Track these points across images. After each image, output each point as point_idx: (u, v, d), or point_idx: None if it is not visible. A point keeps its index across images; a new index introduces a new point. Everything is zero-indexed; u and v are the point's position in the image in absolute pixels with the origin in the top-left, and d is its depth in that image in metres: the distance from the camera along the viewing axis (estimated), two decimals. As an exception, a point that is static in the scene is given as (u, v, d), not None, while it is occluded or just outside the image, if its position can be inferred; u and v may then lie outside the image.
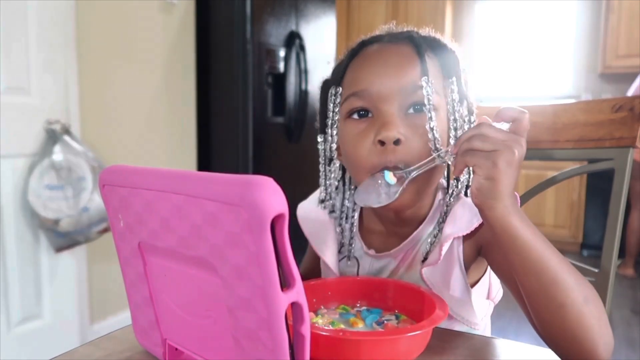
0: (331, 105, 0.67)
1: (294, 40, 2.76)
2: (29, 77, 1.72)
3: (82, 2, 1.88)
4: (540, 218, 3.72)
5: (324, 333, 0.47)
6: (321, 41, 3.07)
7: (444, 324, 0.65)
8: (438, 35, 0.68)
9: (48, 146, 1.73)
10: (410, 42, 0.64)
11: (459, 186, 0.67)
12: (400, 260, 0.68)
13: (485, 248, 0.64)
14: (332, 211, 0.73)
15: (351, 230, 0.72)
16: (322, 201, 0.72)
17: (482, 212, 0.53)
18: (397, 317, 0.58)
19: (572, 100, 0.83)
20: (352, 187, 0.72)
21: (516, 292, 0.58)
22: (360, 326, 0.56)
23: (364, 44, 0.67)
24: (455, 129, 0.63)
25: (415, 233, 0.67)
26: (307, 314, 0.37)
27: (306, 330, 0.37)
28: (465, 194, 0.66)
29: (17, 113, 1.68)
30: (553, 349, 0.54)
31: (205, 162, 2.60)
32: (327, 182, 0.70)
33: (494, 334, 0.69)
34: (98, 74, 1.99)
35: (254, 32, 2.47)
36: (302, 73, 2.82)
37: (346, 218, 0.73)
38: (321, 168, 0.70)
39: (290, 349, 0.36)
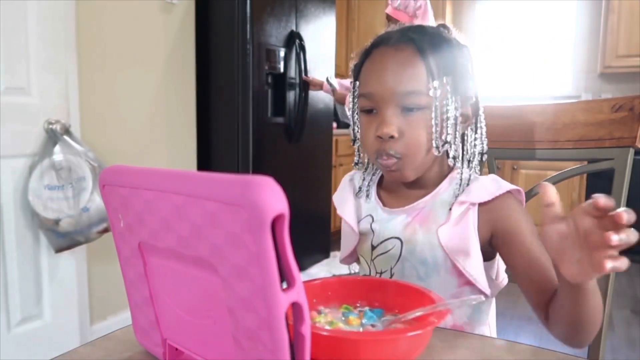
0: (351, 97, 0.80)
1: (294, 40, 2.76)
2: (29, 77, 1.71)
3: (82, 2, 1.88)
4: (540, 218, 3.70)
5: (324, 333, 0.47)
6: (321, 41, 3.07)
7: (455, 292, 0.73)
8: (446, 31, 0.77)
9: (48, 146, 1.73)
10: (413, 44, 0.72)
11: (471, 160, 0.77)
12: (414, 217, 0.76)
13: (502, 239, 0.71)
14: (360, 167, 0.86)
15: (369, 187, 0.84)
16: (355, 164, 0.86)
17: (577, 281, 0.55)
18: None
19: (572, 100, 0.83)
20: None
21: (524, 286, 0.69)
22: (355, 325, 0.56)
23: (374, 46, 0.77)
24: (441, 125, 0.72)
25: (429, 196, 0.76)
26: (307, 314, 0.37)
27: (306, 330, 0.37)
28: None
29: (17, 113, 1.68)
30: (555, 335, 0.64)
31: (205, 162, 2.60)
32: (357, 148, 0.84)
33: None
34: (98, 74, 1.99)
35: (254, 32, 2.47)
36: (302, 73, 2.82)
37: (364, 181, 0.85)
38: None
39: (290, 349, 0.36)
